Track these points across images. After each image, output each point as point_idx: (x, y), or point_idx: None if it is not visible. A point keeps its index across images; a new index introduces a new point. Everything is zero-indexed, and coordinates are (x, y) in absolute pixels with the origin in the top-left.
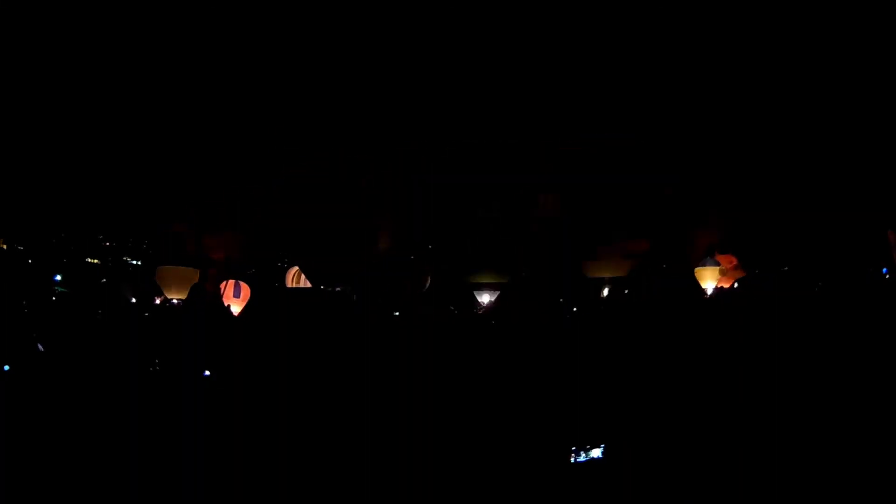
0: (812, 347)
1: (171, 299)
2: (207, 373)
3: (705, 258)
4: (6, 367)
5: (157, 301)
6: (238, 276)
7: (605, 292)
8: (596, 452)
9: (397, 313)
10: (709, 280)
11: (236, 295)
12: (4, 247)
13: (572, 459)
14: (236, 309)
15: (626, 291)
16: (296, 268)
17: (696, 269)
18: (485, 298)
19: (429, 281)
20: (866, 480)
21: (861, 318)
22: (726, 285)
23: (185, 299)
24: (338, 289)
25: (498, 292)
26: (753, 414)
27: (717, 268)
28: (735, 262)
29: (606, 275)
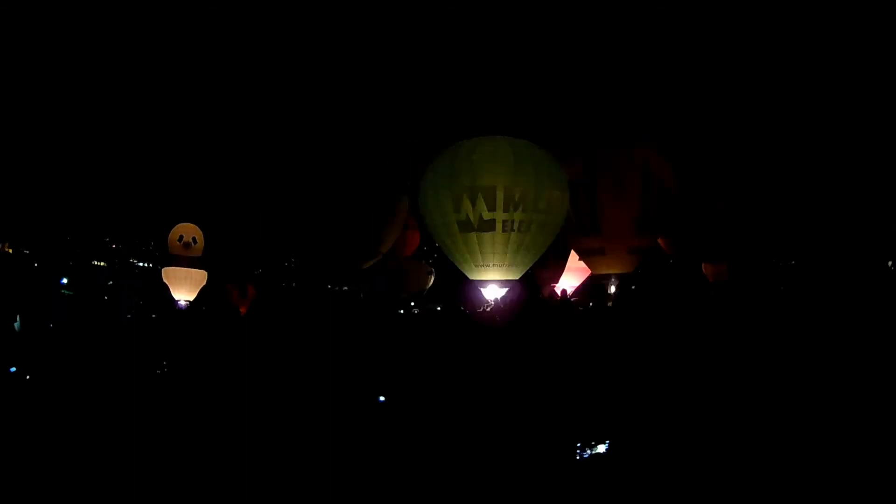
0: (818, 340)
1: (178, 300)
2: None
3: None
4: (12, 369)
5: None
6: (244, 277)
7: (612, 289)
8: (601, 448)
9: (402, 311)
10: (718, 276)
11: (243, 296)
12: (10, 251)
13: (577, 455)
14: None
15: (633, 287)
16: None
17: (704, 265)
18: (493, 295)
19: (431, 279)
20: (874, 473)
21: (866, 310)
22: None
23: (193, 301)
24: (345, 288)
25: (507, 288)
26: (759, 409)
27: (724, 266)
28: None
29: (613, 271)
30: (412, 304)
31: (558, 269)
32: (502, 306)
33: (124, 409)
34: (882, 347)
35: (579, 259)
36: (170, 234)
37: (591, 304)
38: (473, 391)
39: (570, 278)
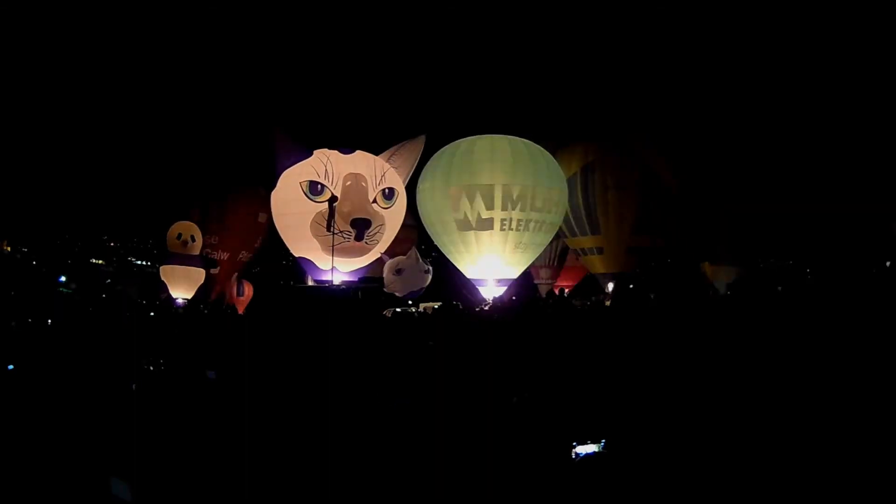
0: (817, 339)
1: (177, 298)
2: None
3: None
4: (10, 367)
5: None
6: (242, 276)
7: (610, 288)
8: (596, 447)
9: (399, 309)
10: (722, 279)
11: (240, 294)
12: (8, 249)
13: (573, 454)
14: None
15: (631, 286)
16: None
17: (711, 268)
18: (490, 293)
19: (429, 278)
20: (872, 473)
21: (865, 309)
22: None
23: (191, 299)
24: (342, 286)
25: (504, 287)
26: (756, 409)
27: (733, 267)
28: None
29: (611, 271)
30: (409, 302)
31: (557, 268)
32: (499, 304)
33: (120, 405)
34: (881, 346)
35: (577, 258)
36: (168, 232)
37: (588, 302)
38: (472, 390)
39: (569, 277)
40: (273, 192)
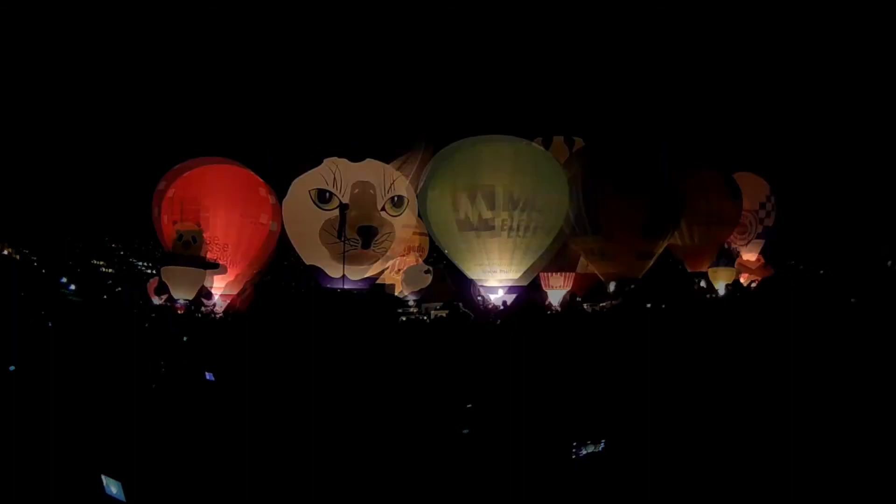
0: (818, 339)
1: (178, 299)
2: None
3: (720, 259)
4: (12, 368)
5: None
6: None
7: (612, 288)
8: (597, 448)
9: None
10: (721, 280)
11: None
12: (10, 251)
13: (573, 454)
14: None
15: (633, 287)
16: None
17: (710, 270)
18: (495, 298)
19: (429, 278)
20: (873, 472)
21: (869, 310)
22: (744, 281)
23: (193, 300)
24: (345, 287)
25: (513, 294)
26: (758, 410)
27: (732, 269)
28: (762, 260)
29: (618, 273)
30: (411, 302)
31: (568, 275)
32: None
33: (126, 406)
34: (882, 346)
35: (582, 259)
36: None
37: (597, 307)
38: (473, 390)
39: (578, 282)
40: (284, 201)
